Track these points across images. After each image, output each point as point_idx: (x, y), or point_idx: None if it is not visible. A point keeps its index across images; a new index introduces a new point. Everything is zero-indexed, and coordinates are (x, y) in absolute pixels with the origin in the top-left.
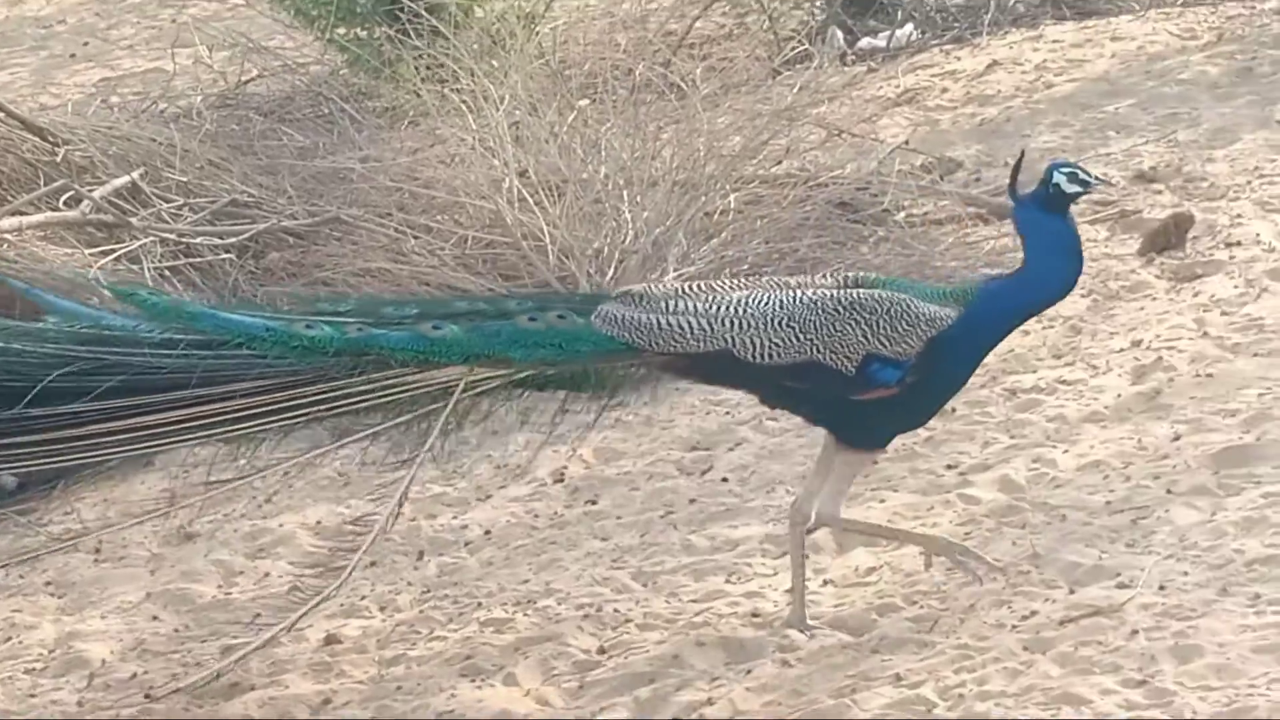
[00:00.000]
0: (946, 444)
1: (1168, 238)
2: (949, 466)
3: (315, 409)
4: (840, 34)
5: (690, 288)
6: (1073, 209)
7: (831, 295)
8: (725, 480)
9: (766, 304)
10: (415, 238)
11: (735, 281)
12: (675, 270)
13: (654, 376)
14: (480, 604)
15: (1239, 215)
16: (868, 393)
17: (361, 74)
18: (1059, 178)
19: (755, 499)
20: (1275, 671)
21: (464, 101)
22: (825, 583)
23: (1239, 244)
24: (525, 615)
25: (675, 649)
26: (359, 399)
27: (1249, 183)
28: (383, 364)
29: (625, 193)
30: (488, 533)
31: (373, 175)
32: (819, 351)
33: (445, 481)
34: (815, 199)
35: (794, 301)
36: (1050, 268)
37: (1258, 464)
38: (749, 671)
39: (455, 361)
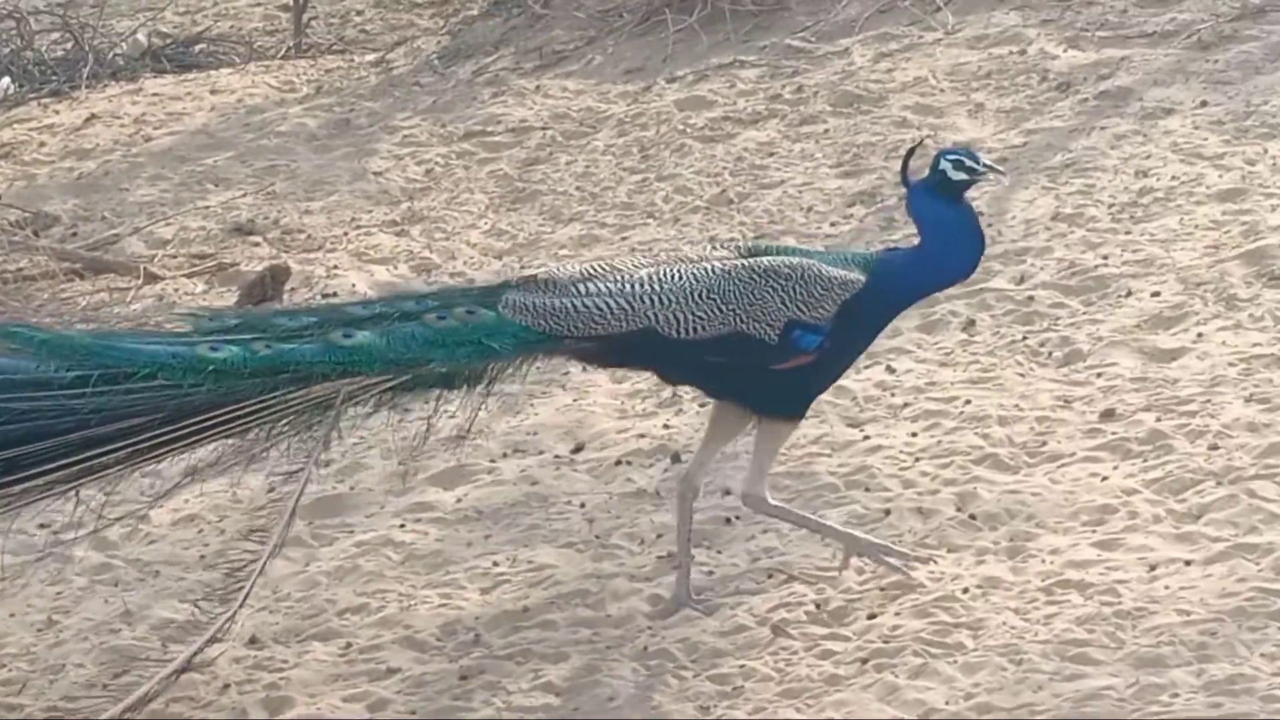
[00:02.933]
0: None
1: (264, 290)
2: (42, 525)
3: (190, 438)
4: None
5: (595, 268)
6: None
7: (745, 264)
8: None
9: (682, 278)
10: None
11: (636, 259)
12: None
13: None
14: None
15: (336, 266)
16: (788, 361)
17: None
18: (945, 164)
19: None
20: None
21: None
22: None
23: (335, 295)
24: None
25: None
26: (237, 423)
27: (345, 234)
28: (301, 380)
29: None
30: None
31: None
32: (742, 322)
33: None
34: None
35: (709, 273)
36: (947, 250)
37: (350, 513)
38: None
39: (375, 369)
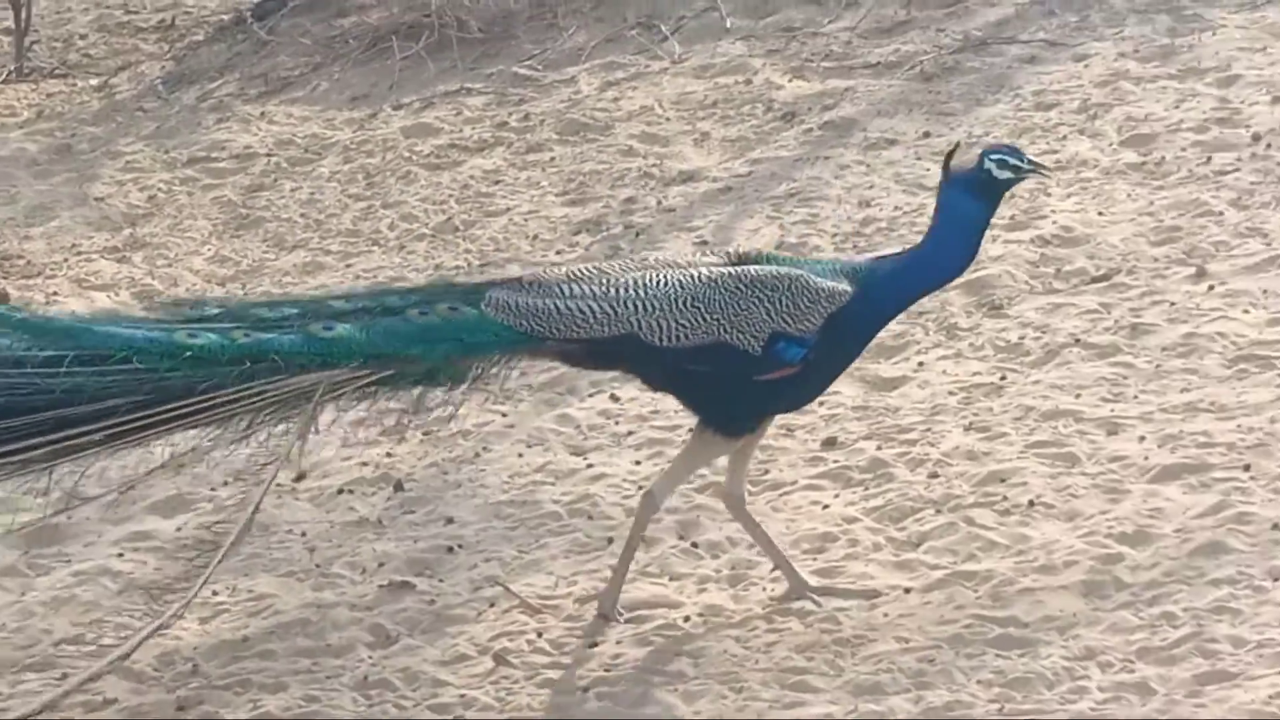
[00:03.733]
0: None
1: None
2: None
3: (171, 423)
4: None
5: (582, 270)
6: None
7: (731, 273)
8: None
9: (667, 284)
10: None
11: (625, 263)
12: None
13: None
14: None
15: (56, 293)
16: (772, 373)
17: None
18: (989, 163)
19: None
20: None
21: None
22: None
23: None
24: None
25: None
26: (216, 410)
27: (66, 260)
28: (275, 370)
29: None
30: None
31: None
32: (725, 331)
33: None
34: None
35: (695, 281)
36: (948, 250)
37: (68, 542)
38: None
39: (355, 362)
